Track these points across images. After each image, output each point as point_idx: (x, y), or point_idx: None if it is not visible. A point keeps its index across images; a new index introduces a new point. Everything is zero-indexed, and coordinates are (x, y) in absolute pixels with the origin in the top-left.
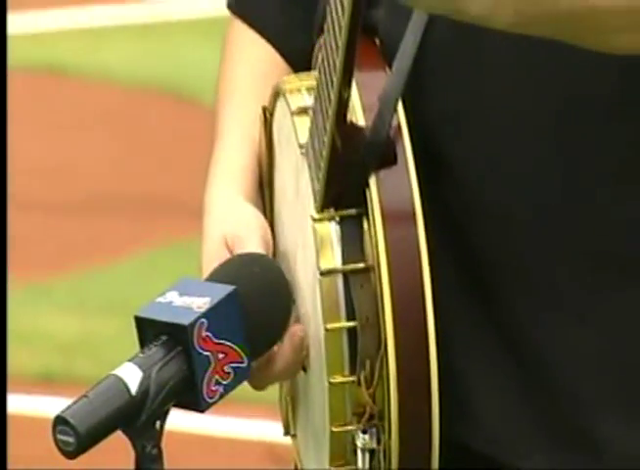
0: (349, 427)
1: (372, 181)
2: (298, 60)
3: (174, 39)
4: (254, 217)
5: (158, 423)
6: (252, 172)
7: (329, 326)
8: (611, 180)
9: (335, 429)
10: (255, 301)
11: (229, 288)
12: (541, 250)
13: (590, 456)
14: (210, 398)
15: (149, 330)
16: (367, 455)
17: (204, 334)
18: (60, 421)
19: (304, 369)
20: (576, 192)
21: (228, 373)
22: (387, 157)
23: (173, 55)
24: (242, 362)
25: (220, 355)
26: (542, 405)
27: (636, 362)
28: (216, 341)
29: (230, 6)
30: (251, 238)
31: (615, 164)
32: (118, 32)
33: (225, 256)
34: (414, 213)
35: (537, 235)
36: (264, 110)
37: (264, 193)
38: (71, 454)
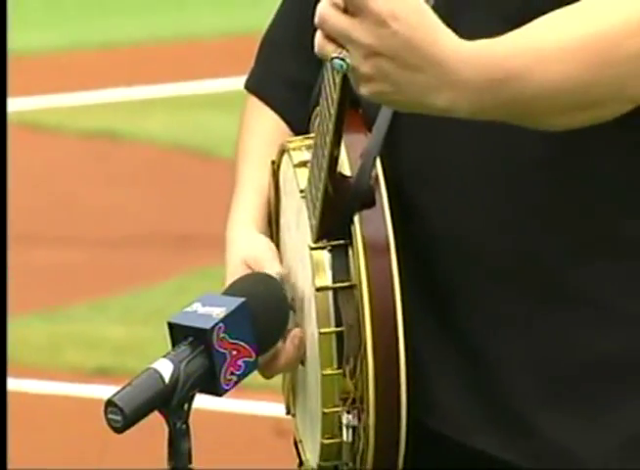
0: (337, 409)
1: (356, 219)
2: (299, 126)
3: (202, 110)
4: (266, 244)
5: (186, 405)
6: (263, 211)
7: (322, 330)
8: (542, 224)
9: (325, 410)
10: (260, 309)
11: (240, 300)
12: (490, 275)
13: (524, 440)
14: (227, 385)
15: (178, 333)
16: (350, 431)
17: (221, 335)
18: (110, 404)
19: (302, 363)
20: (518, 232)
21: (240, 366)
22: (368, 201)
23: (201, 123)
24: (251, 357)
25: (234, 352)
26: (487, 396)
27: (565, 365)
28: (231, 341)
29: (247, 84)
30: (266, 258)
31: (547, 212)
32: (159, 104)
33: (241, 271)
34: (388, 245)
35: (487, 264)
36: (273, 163)
37: (272, 228)
38: (119, 430)
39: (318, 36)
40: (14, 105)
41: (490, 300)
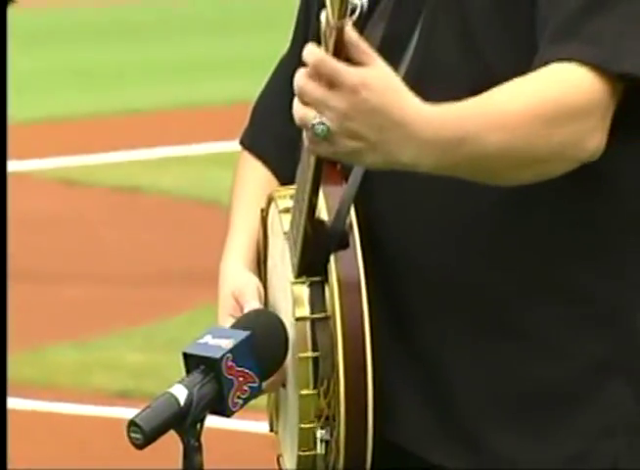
0: (312, 425)
1: (332, 258)
2: (286, 176)
3: (209, 167)
4: (252, 279)
5: (198, 425)
6: (252, 251)
7: (300, 355)
8: (492, 265)
9: (302, 426)
10: (263, 341)
11: (246, 333)
12: (446, 307)
13: (476, 455)
14: (234, 407)
15: (192, 361)
16: (324, 444)
17: (229, 364)
18: (132, 423)
19: (284, 385)
20: (470, 271)
21: (246, 391)
22: (342, 243)
23: (209, 177)
24: (255, 383)
25: (241, 379)
26: (444, 416)
27: (510, 391)
28: (238, 369)
29: (241, 141)
30: (249, 292)
31: (498, 255)
32: (174, 162)
33: (231, 304)
34: (359, 282)
35: (444, 297)
36: (262, 210)
37: (261, 266)
38: (140, 447)
39: (297, 105)
40: (51, 163)
41: (447, 330)
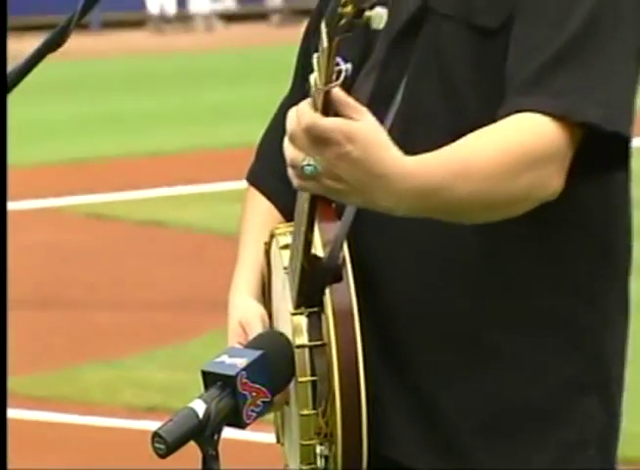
0: (312, 441)
1: (327, 291)
2: (288, 210)
3: (226, 203)
4: (258, 309)
5: (216, 436)
6: (257, 282)
7: (300, 379)
8: (472, 298)
9: (303, 442)
10: (274, 360)
11: (259, 352)
12: (430, 335)
13: (460, 465)
14: (248, 420)
15: (210, 378)
16: (323, 459)
17: (243, 380)
18: (156, 435)
19: (287, 403)
20: (452, 303)
21: (259, 405)
22: (336, 276)
23: (226, 212)
24: (267, 398)
25: (254, 394)
26: (431, 430)
27: (490, 409)
28: (251, 385)
29: (247, 177)
30: (255, 321)
31: (476, 287)
32: (193, 199)
33: (239, 331)
34: (352, 312)
35: (428, 326)
36: (265, 243)
37: (265, 295)
38: (163, 456)
39: (287, 145)
40: (82, 199)
41: (432, 355)
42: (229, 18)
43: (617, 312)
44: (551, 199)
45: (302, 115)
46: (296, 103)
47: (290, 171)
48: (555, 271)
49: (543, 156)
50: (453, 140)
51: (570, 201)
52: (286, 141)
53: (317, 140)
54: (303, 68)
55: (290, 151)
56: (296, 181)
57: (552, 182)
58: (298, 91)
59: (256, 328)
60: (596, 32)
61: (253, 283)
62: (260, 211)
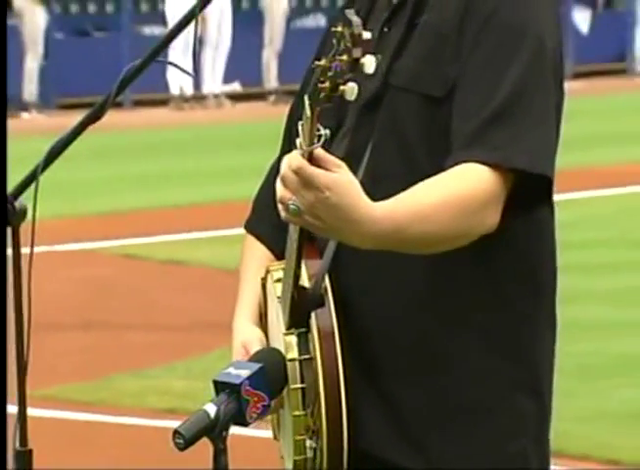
0: (303, 436)
1: (313, 315)
2: (280, 252)
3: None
4: (257, 332)
5: (224, 432)
6: (256, 310)
7: (292, 386)
8: (431, 316)
9: (296, 438)
10: (271, 371)
11: (259, 365)
12: (397, 348)
13: (422, 454)
14: (251, 419)
15: (219, 386)
16: (312, 451)
17: (246, 388)
18: (176, 432)
19: (282, 407)
20: (415, 321)
21: (259, 408)
22: (320, 303)
23: (235, 253)
24: (266, 402)
25: (255, 399)
26: (399, 427)
27: (445, 407)
28: (253, 391)
29: (245, 227)
30: (255, 342)
31: (432, 307)
32: (206, 242)
33: (242, 351)
34: (334, 332)
35: (395, 341)
36: (262, 279)
37: (262, 320)
38: (181, 449)
39: (278, 185)
40: (115, 242)
41: (397, 363)
42: (235, 97)
43: (546, 327)
44: (488, 233)
45: (293, 160)
46: None
47: (278, 206)
48: (491, 292)
49: (482, 199)
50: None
51: (502, 232)
52: (278, 181)
53: (303, 182)
54: (290, 136)
55: (280, 189)
56: (282, 214)
57: (489, 220)
58: (286, 154)
59: (256, 347)
60: (521, 96)
61: (253, 311)
62: (256, 253)
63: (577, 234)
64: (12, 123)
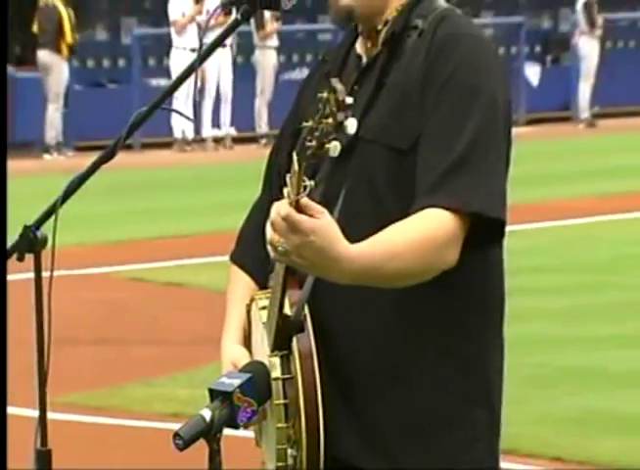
0: (284, 445)
1: (294, 339)
2: (262, 282)
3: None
4: (243, 352)
5: (219, 434)
6: (241, 332)
7: (275, 402)
8: (393, 339)
9: (278, 447)
10: (259, 380)
11: (248, 375)
12: (367, 366)
13: (389, 461)
14: (242, 422)
15: (214, 394)
16: (292, 458)
17: (237, 395)
18: (176, 434)
19: (265, 418)
20: (384, 344)
21: (249, 412)
22: (300, 328)
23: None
24: (254, 407)
25: (245, 405)
26: (368, 437)
27: (409, 419)
28: (243, 398)
29: (230, 258)
30: (242, 359)
31: (397, 329)
32: (205, 267)
33: (230, 367)
34: (312, 354)
35: (365, 360)
36: (246, 305)
37: (247, 342)
38: (181, 449)
39: (269, 229)
40: (123, 267)
41: (367, 379)
42: (231, 140)
43: (495, 347)
44: (449, 268)
45: (282, 208)
46: (264, 202)
47: (268, 247)
48: (449, 318)
49: (444, 239)
50: (378, 232)
51: (460, 268)
52: (268, 225)
53: (290, 228)
54: (270, 176)
55: (270, 233)
56: (272, 254)
57: (450, 258)
58: (266, 194)
59: (244, 362)
60: (477, 149)
61: (238, 333)
62: (240, 282)
63: (527, 260)
64: (35, 164)
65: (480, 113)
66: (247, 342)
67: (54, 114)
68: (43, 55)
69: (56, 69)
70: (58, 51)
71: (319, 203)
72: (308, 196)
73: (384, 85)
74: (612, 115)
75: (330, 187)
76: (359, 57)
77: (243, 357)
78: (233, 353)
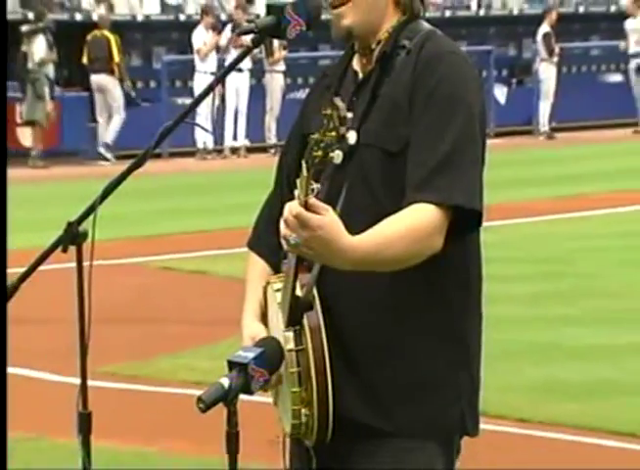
0: (298, 406)
1: (305, 316)
2: (274, 266)
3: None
4: (261, 327)
5: (235, 399)
6: (258, 311)
7: (290, 370)
8: (388, 317)
9: (293, 408)
10: (270, 353)
11: (261, 349)
12: (365, 341)
13: (388, 421)
14: (254, 390)
15: (231, 365)
16: (305, 417)
17: (252, 366)
18: (199, 399)
19: (281, 383)
20: (377, 323)
21: (261, 381)
22: (309, 306)
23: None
24: (266, 377)
25: (258, 374)
26: (366, 396)
27: (400, 381)
28: (257, 368)
29: (247, 245)
30: (260, 333)
31: (390, 308)
32: (227, 258)
33: (249, 341)
34: (320, 329)
35: (364, 336)
36: (263, 287)
37: (264, 319)
38: (203, 412)
39: (282, 225)
40: (154, 258)
41: (367, 349)
42: (245, 150)
43: (476, 319)
44: (435, 252)
45: (293, 208)
46: (275, 197)
47: (282, 241)
48: (436, 295)
49: (430, 229)
50: (375, 224)
51: (445, 253)
52: (282, 223)
53: (300, 224)
54: (280, 176)
55: (283, 229)
56: (285, 247)
57: (436, 245)
58: (277, 190)
59: (260, 337)
60: (457, 151)
61: (257, 311)
62: (257, 266)
63: (498, 252)
64: (79, 170)
65: (460, 121)
66: (264, 319)
67: (116, 124)
68: (98, 79)
69: (111, 87)
70: (111, 73)
71: (324, 199)
72: (315, 196)
73: (377, 97)
74: (567, 129)
75: (333, 185)
76: (356, 73)
77: (260, 332)
78: (252, 329)
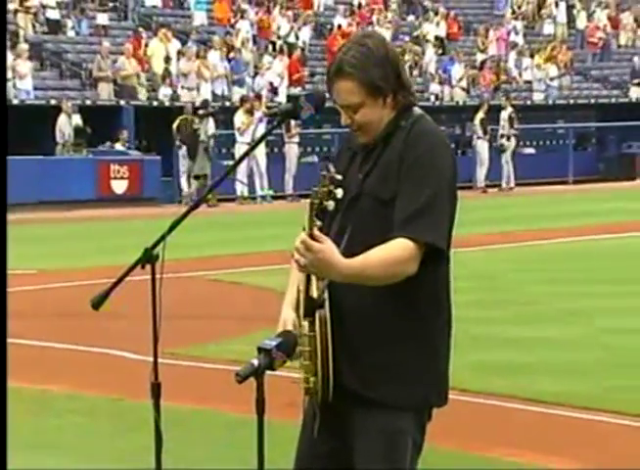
0: (308, 375)
1: (317, 311)
2: None
3: (268, 276)
4: (292, 314)
5: (263, 375)
6: (294, 302)
7: (304, 349)
8: (382, 308)
9: (305, 376)
10: (288, 342)
11: (281, 339)
12: (362, 325)
13: (374, 392)
14: (276, 368)
15: (260, 350)
16: (313, 383)
17: (274, 351)
18: (237, 373)
19: (299, 358)
20: (375, 311)
21: (281, 362)
22: (321, 305)
23: (269, 280)
24: (285, 359)
25: (279, 356)
26: (357, 366)
27: (390, 356)
28: (278, 353)
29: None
30: (289, 320)
31: (383, 303)
32: (251, 274)
33: (282, 323)
34: (327, 321)
35: (362, 324)
36: (297, 286)
37: (297, 309)
38: (239, 383)
39: (295, 253)
40: (201, 272)
41: (362, 335)
42: (272, 198)
43: (442, 328)
44: (411, 276)
45: (301, 237)
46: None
47: (293, 262)
48: (410, 307)
49: (406, 257)
50: (366, 250)
51: (417, 275)
52: (294, 250)
53: (306, 249)
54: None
55: (295, 254)
56: (295, 266)
57: (411, 269)
58: None
59: (289, 323)
60: (430, 204)
61: (293, 302)
62: (295, 272)
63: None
64: (155, 210)
65: (434, 182)
66: (297, 308)
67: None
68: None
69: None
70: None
71: (337, 230)
72: (320, 231)
73: (378, 162)
74: (497, 185)
75: (343, 222)
76: (366, 145)
77: (290, 318)
78: (286, 315)
